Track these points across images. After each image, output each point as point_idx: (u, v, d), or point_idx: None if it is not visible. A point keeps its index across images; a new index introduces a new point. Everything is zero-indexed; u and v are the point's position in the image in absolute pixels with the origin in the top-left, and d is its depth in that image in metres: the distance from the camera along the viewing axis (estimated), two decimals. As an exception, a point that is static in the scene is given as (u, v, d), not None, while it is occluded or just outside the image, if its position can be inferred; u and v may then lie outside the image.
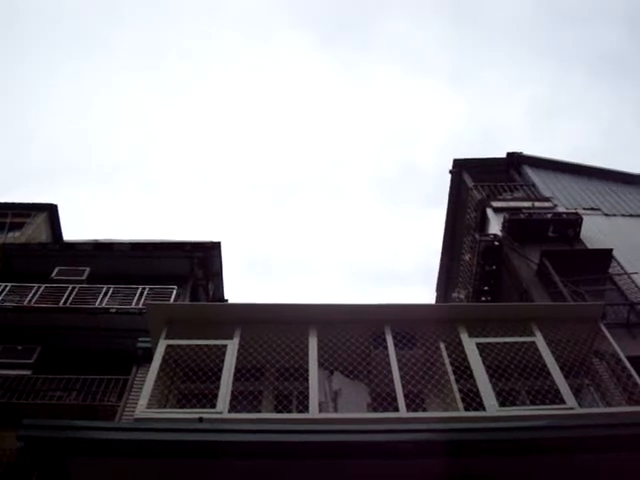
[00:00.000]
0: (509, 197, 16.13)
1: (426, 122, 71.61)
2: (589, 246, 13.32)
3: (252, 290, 61.95)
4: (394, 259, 66.53)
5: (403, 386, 7.44)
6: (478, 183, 16.79)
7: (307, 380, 7.49)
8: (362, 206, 70.13)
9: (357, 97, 73.06)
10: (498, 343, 8.09)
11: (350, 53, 73.98)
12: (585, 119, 69.53)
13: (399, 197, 73.02)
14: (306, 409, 7.15)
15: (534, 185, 16.60)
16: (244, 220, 68.77)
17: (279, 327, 8.15)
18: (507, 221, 13.69)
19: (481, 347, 8.00)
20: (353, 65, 72.07)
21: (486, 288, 14.19)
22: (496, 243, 13.70)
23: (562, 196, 15.96)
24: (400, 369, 7.70)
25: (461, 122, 70.40)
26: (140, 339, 9.29)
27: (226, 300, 19.26)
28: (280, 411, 7.77)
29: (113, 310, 14.41)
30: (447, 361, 7.81)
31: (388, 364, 7.82)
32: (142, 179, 73.06)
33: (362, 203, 70.42)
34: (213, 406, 7.09)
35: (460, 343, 8.10)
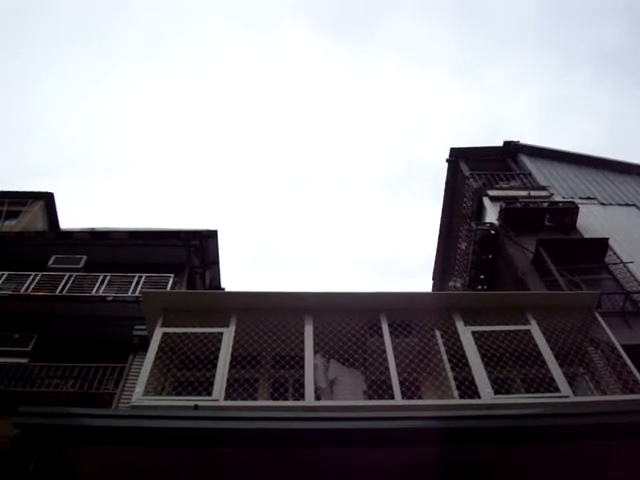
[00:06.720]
0: (506, 186, 16.12)
1: (431, 117, 71.67)
2: (585, 235, 13.35)
3: (255, 282, 62.08)
4: (399, 252, 66.68)
5: (399, 374, 7.47)
6: (475, 172, 16.78)
7: (303, 368, 7.50)
8: (367, 199, 70.29)
9: (363, 91, 72.98)
10: (493, 331, 8.10)
11: (355, 48, 73.85)
12: (589, 116, 69.53)
13: (404, 190, 73.19)
14: (302, 397, 7.17)
15: (530, 174, 16.61)
16: (249, 212, 68.82)
17: (275, 315, 8.15)
18: (503, 210, 13.70)
19: (476, 335, 8.02)
20: (358, 60, 72.00)
21: (482, 277, 14.23)
22: (492, 232, 13.72)
23: (558, 185, 15.97)
24: (396, 357, 7.71)
25: (466, 117, 70.43)
26: (136, 327, 9.28)
27: (223, 289, 19.26)
28: (276, 399, 7.79)
29: (110, 298, 14.43)
30: (442, 349, 7.83)
31: (384, 352, 7.83)
32: (145, 173, 73.04)
33: (367, 196, 70.56)
34: (209, 394, 7.09)
35: (456, 331, 8.11)
